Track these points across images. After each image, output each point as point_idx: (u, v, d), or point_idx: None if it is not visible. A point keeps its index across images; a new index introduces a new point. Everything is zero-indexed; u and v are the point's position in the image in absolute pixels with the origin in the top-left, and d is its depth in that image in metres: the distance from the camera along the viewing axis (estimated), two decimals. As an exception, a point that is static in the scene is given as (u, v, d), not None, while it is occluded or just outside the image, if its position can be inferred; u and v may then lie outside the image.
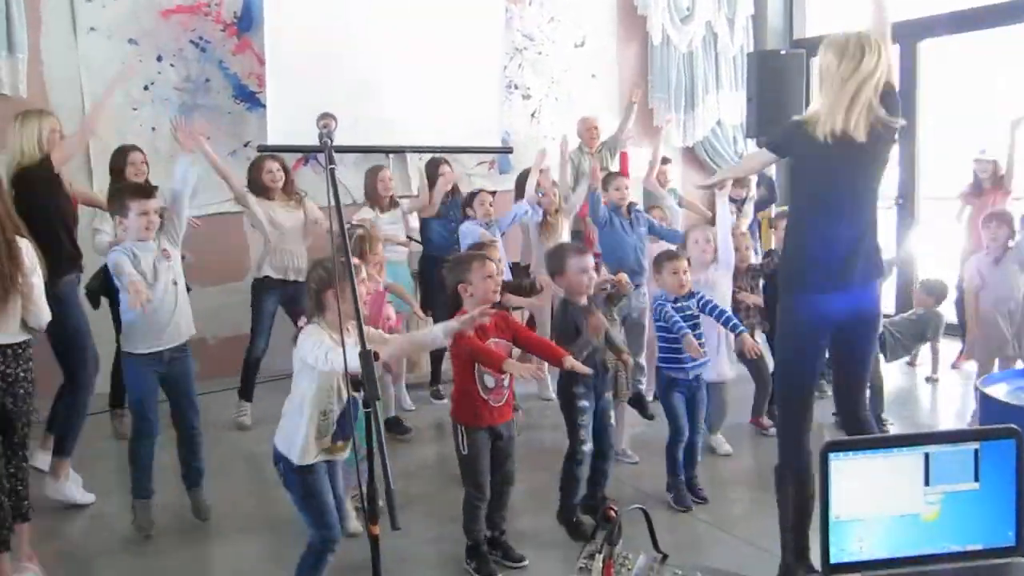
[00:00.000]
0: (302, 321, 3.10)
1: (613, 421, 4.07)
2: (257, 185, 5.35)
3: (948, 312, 5.96)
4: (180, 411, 4.05)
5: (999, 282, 5.05)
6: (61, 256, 4.23)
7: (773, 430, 4.81)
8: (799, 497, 3.21)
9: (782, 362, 3.33)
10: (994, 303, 5.07)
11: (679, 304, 4.23)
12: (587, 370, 3.61)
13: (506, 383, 3.54)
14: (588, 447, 3.85)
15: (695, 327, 4.21)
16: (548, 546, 3.81)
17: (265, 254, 5.42)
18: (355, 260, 3.12)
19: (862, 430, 3.20)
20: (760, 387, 5.02)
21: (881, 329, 5.09)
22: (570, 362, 3.52)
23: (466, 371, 3.49)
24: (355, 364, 2.17)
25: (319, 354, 2.82)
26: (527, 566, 3.64)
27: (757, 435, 5.11)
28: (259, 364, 5.55)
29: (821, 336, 3.20)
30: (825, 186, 3.13)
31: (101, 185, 5.57)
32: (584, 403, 3.85)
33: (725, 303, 4.63)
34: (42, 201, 4.20)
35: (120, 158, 5.12)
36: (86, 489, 4.39)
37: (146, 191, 3.91)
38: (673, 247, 4.72)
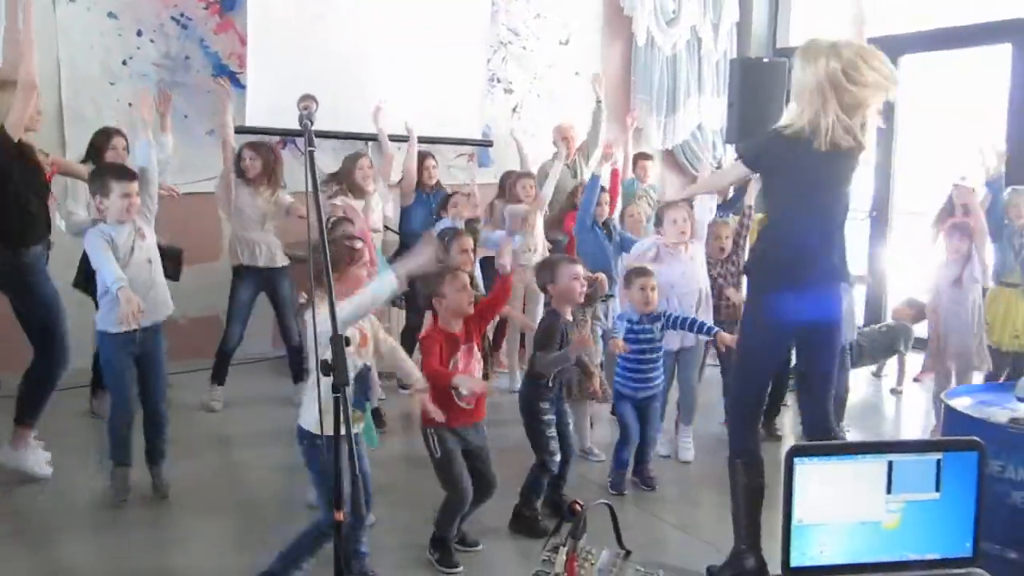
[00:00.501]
0: (303, 297, 3.13)
1: (572, 428, 4.12)
2: (239, 173, 5.35)
3: (920, 328, 6.03)
4: (148, 389, 4.06)
5: (956, 298, 5.09)
6: (26, 226, 4.17)
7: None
8: (750, 486, 3.33)
9: (740, 355, 3.44)
10: (949, 318, 5.12)
11: (641, 326, 4.29)
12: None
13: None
14: (557, 457, 3.91)
15: (655, 350, 4.32)
16: (503, 535, 3.87)
17: (232, 240, 5.45)
18: (358, 243, 3.18)
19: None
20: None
21: (853, 338, 5.20)
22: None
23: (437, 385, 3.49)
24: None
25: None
26: (481, 551, 3.72)
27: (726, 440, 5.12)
28: (233, 353, 5.53)
29: (782, 335, 3.28)
30: (799, 190, 3.18)
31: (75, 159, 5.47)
32: (550, 416, 3.92)
33: (702, 275, 4.74)
34: (7, 171, 4.10)
35: (103, 139, 5.01)
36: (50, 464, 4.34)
37: (130, 173, 3.94)
38: (644, 264, 4.69)
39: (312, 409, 3.05)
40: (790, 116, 3.14)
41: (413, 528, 3.81)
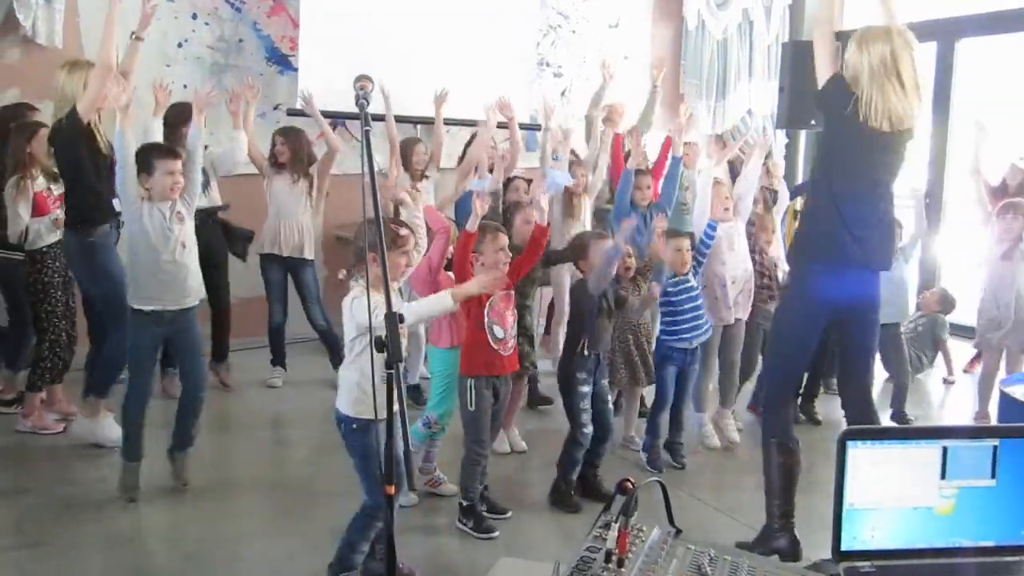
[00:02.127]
0: (342, 273, 3.18)
1: (610, 404, 4.18)
2: (272, 160, 5.51)
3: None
4: (187, 371, 4.06)
5: (1001, 276, 5.03)
6: (93, 208, 4.27)
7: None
8: (784, 465, 3.36)
9: (778, 334, 3.45)
10: (994, 296, 5.07)
11: (678, 279, 4.39)
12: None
13: (513, 335, 3.72)
14: (589, 430, 3.99)
15: (694, 299, 4.43)
16: (539, 507, 4.00)
17: (266, 229, 5.55)
18: (404, 231, 3.22)
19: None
20: (743, 371, 5.02)
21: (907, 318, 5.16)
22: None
23: (477, 323, 3.64)
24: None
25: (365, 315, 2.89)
26: (510, 518, 3.82)
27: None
28: (282, 330, 5.69)
29: (820, 314, 3.27)
30: (857, 167, 3.17)
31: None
32: (585, 388, 3.97)
33: (744, 256, 4.79)
34: (70, 155, 4.21)
35: (184, 112, 5.00)
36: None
37: (174, 152, 3.94)
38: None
39: (349, 391, 3.10)
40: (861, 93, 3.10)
41: (441, 505, 3.93)
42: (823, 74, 3.22)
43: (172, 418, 4.07)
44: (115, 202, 4.30)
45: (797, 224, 3.59)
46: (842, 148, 3.20)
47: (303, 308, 5.66)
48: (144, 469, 3.99)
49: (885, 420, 4.93)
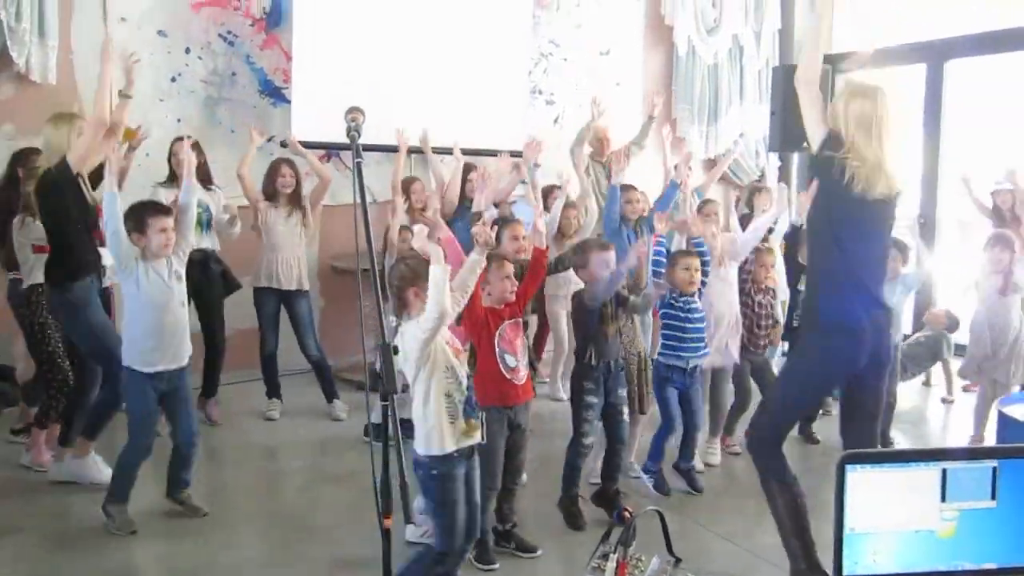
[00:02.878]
0: (392, 320, 3.11)
1: (626, 416, 4.12)
2: (268, 189, 5.50)
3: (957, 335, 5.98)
4: (181, 427, 4.03)
5: (997, 311, 5.05)
6: (77, 261, 4.24)
7: (736, 449, 4.98)
8: (790, 504, 3.28)
9: (790, 398, 3.38)
10: (989, 328, 5.07)
11: (684, 298, 4.37)
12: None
13: (525, 365, 3.63)
14: (589, 441, 3.96)
15: (700, 319, 4.41)
16: (543, 533, 3.91)
17: (261, 259, 5.54)
18: (420, 225, 3.21)
19: None
20: (738, 403, 5.03)
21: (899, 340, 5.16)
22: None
23: (487, 352, 3.56)
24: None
25: (420, 330, 2.90)
26: (541, 556, 3.72)
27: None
28: (275, 358, 5.67)
29: (838, 381, 3.27)
30: (862, 237, 3.17)
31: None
32: (591, 399, 3.94)
33: (733, 296, 4.83)
34: (57, 205, 4.19)
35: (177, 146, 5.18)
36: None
37: (165, 209, 3.96)
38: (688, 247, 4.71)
39: (429, 430, 3.03)
40: (853, 158, 3.08)
41: None
42: (816, 135, 3.18)
43: (166, 450, 4.08)
44: (102, 251, 4.31)
45: (804, 294, 3.57)
46: (846, 219, 3.15)
47: (297, 339, 5.65)
48: (142, 503, 3.99)
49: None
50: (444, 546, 3.07)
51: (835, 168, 3.10)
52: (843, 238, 3.17)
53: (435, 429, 2.99)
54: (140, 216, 3.83)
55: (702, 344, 4.45)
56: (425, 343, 2.91)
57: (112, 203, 3.73)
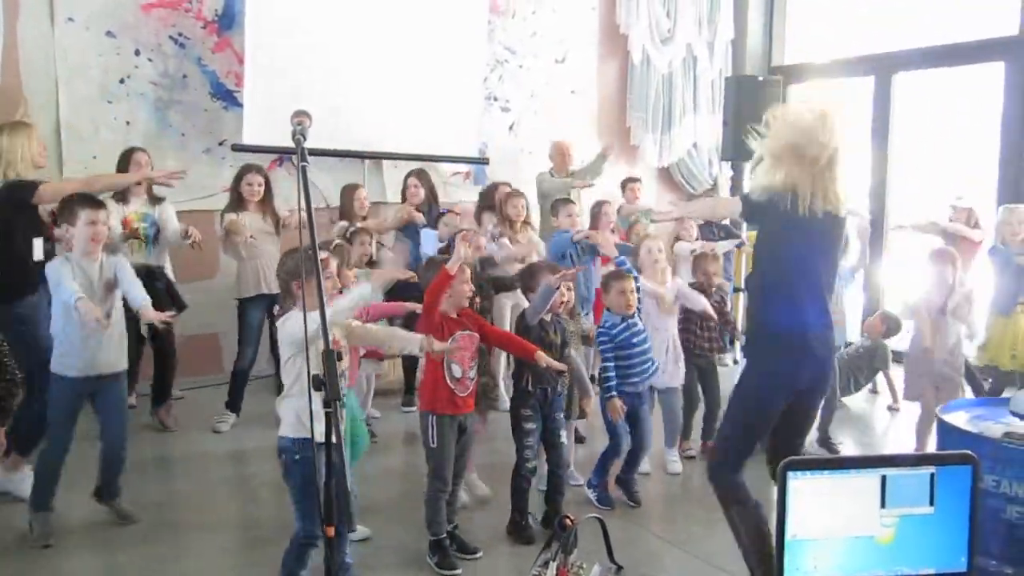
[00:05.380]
0: (277, 310, 3.18)
1: (564, 439, 4.12)
2: (235, 196, 5.41)
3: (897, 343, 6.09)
4: (110, 434, 3.97)
5: (940, 326, 4.91)
6: (21, 279, 4.17)
7: (691, 453, 5.02)
8: (753, 529, 3.22)
9: (741, 418, 3.32)
10: (927, 348, 4.91)
11: (627, 322, 4.30)
12: (561, 366, 3.79)
13: (471, 375, 3.66)
14: (532, 465, 3.96)
15: (642, 342, 4.35)
16: (498, 544, 3.91)
17: (240, 270, 5.44)
18: (323, 255, 3.21)
19: None
20: (710, 409, 5.06)
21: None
22: (544, 359, 3.68)
23: (435, 360, 3.59)
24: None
25: (299, 327, 2.91)
26: (481, 558, 3.76)
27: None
28: (247, 376, 5.54)
29: (785, 400, 3.23)
30: (804, 259, 3.16)
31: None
32: (530, 425, 3.94)
33: (672, 322, 4.82)
34: (15, 224, 4.15)
35: (127, 157, 5.19)
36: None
37: (98, 201, 3.88)
38: (622, 268, 4.67)
39: (289, 418, 3.10)
40: (789, 181, 3.08)
41: (407, 546, 3.84)
42: (732, 209, 3.34)
43: (97, 459, 4.04)
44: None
45: (749, 308, 3.53)
46: (793, 233, 3.14)
47: (271, 346, 5.51)
48: (83, 512, 3.96)
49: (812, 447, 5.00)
50: (305, 529, 3.14)
51: (774, 200, 3.10)
52: (789, 255, 3.17)
53: (304, 413, 2.90)
54: (71, 207, 3.78)
55: (650, 363, 4.39)
56: (300, 342, 2.94)
57: (62, 266, 3.71)
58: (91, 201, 3.85)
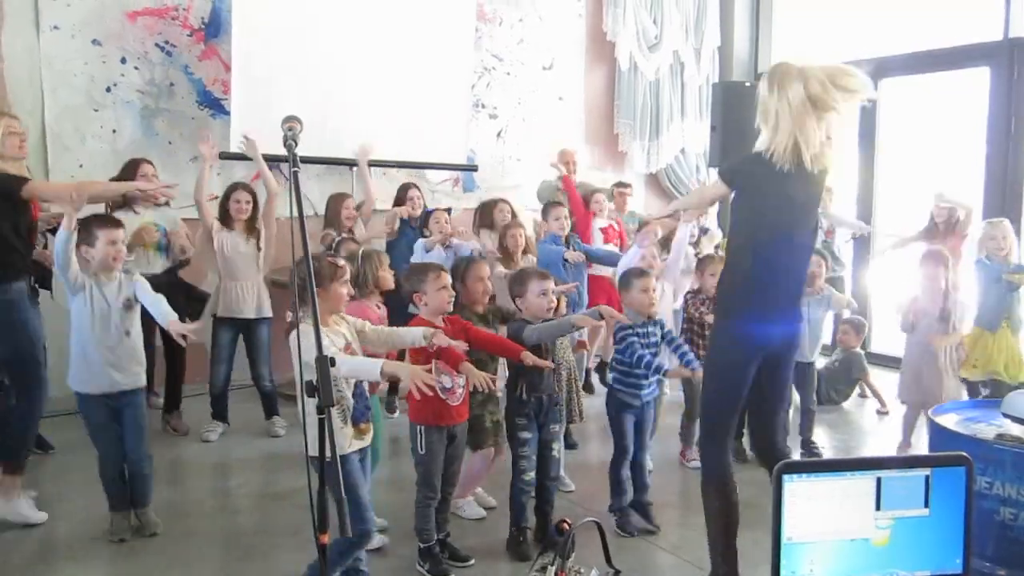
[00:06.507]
0: (290, 316, 3.14)
1: (556, 452, 4.04)
2: (223, 213, 5.36)
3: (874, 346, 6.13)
4: (129, 450, 3.98)
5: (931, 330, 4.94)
6: (13, 262, 4.10)
7: (695, 463, 4.83)
8: (724, 509, 3.27)
9: (715, 383, 3.32)
10: (922, 348, 4.96)
11: (644, 331, 4.14)
12: (548, 364, 3.74)
13: (461, 384, 3.63)
14: (529, 476, 3.91)
15: (655, 354, 4.15)
16: (496, 554, 3.87)
17: (217, 291, 5.39)
18: (339, 260, 3.26)
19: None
20: (688, 411, 5.04)
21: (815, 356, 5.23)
22: (531, 358, 3.62)
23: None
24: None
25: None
26: (473, 565, 3.74)
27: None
28: (225, 395, 5.52)
29: (751, 358, 3.23)
30: (779, 215, 3.15)
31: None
32: (525, 434, 3.89)
33: (667, 315, 4.78)
34: None
35: (132, 168, 5.18)
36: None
37: (116, 221, 3.92)
38: (638, 266, 4.64)
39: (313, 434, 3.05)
40: (766, 140, 3.11)
41: (398, 551, 3.83)
42: (717, 188, 3.38)
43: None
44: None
45: (720, 287, 3.53)
46: (762, 190, 3.16)
47: (250, 366, 5.48)
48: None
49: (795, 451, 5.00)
50: (355, 528, 3.05)
51: (748, 160, 3.15)
52: (763, 240, 3.17)
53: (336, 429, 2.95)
54: (89, 227, 3.79)
55: (655, 384, 4.25)
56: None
57: (66, 240, 3.67)
58: (110, 221, 3.90)
